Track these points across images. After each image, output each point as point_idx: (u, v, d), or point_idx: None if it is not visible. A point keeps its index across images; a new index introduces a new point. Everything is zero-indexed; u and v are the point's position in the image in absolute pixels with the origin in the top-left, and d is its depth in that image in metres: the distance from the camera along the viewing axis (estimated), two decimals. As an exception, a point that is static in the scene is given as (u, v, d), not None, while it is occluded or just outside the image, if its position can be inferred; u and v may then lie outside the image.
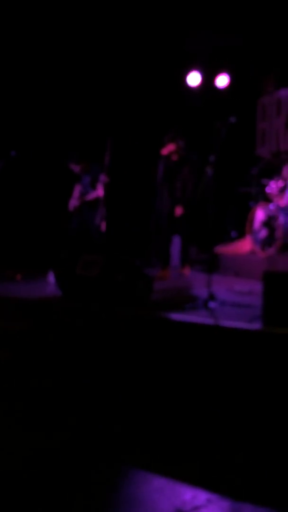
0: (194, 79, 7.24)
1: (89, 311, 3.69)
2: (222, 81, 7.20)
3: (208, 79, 7.22)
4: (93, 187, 5.70)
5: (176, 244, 5.89)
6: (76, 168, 5.84)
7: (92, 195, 5.68)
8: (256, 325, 3.03)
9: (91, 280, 3.81)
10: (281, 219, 5.35)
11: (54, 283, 4.33)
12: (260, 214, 5.69)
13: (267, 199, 5.88)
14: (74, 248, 5.46)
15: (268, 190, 5.82)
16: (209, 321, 3.23)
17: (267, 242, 5.53)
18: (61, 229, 6.16)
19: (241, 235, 6.57)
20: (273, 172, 6.01)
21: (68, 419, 2.56)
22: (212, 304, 3.72)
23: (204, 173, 4.05)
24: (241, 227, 6.42)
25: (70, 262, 3.98)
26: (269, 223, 5.53)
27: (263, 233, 5.59)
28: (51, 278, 4.97)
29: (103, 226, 5.43)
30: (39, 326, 3.80)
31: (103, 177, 5.54)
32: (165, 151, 5.37)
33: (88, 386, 2.97)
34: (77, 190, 5.89)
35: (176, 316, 3.37)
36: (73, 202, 5.89)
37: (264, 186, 5.94)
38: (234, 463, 2.14)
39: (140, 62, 7.13)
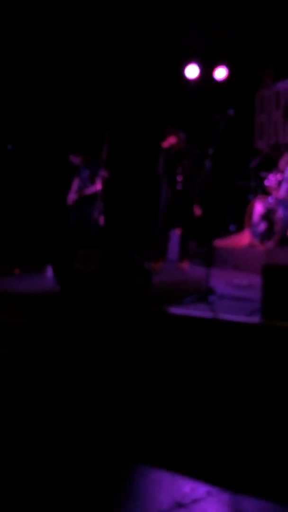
0: (192, 71, 7.21)
1: (87, 305, 3.68)
2: (220, 73, 7.16)
3: (207, 72, 7.18)
4: (92, 181, 5.68)
5: (174, 237, 5.89)
6: (76, 160, 5.81)
7: (90, 190, 5.66)
8: (255, 319, 3.03)
9: (89, 274, 3.80)
10: (280, 212, 5.34)
11: (52, 277, 4.32)
12: (259, 207, 5.68)
13: (266, 192, 5.87)
14: (72, 243, 5.46)
15: (266, 183, 5.81)
16: (208, 314, 3.23)
17: (266, 236, 5.52)
18: (59, 223, 6.15)
19: (240, 228, 6.56)
20: (272, 165, 6.00)
21: (67, 414, 2.56)
22: (211, 298, 3.72)
23: (203, 166, 4.03)
24: (240, 220, 6.41)
25: (68, 257, 3.97)
26: (268, 216, 5.52)
27: (262, 227, 5.58)
28: (49, 272, 4.96)
29: (102, 221, 5.42)
30: (37, 321, 3.79)
31: (102, 172, 5.52)
32: (165, 144, 5.36)
33: (87, 381, 2.97)
34: (75, 183, 5.87)
35: (175, 310, 3.36)
36: (72, 196, 5.87)
37: (263, 179, 5.92)
38: (234, 455, 2.14)
39: (138, 55, 7.09)
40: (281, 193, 5.49)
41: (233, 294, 3.94)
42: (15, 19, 6.37)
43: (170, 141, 5.33)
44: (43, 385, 2.93)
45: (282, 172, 5.64)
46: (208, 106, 6.52)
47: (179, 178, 5.36)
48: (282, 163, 5.73)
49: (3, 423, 2.44)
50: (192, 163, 5.34)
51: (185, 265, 5.52)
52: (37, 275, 5.22)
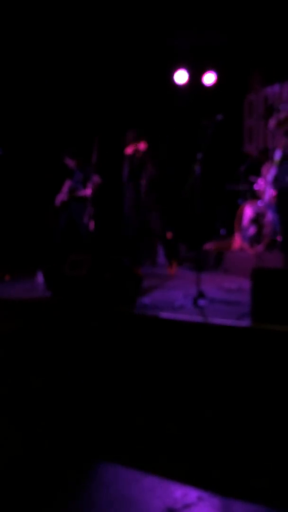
0: (181, 77, 7.26)
1: (78, 310, 3.68)
2: (209, 79, 7.22)
3: (195, 77, 7.23)
4: (84, 185, 5.69)
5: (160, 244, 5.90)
6: (71, 163, 5.82)
7: (81, 192, 5.67)
8: (245, 322, 3.04)
9: (79, 279, 3.79)
10: (269, 216, 5.38)
11: (43, 282, 4.31)
12: (248, 211, 5.72)
13: (255, 196, 5.91)
14: (62, 248, 5.45)
15: (256, 187, 5.85)
16: (198, 318, 3.23)
17: (255, 239, 5.55)
18: (48, 226, 6.14)
19: (230, 232, 6.60)
20: (261, 169, 6.04)
21: (58, 419, 2.55)
22: (201, 302, 3.73)
23: (192, 171, 4.05)
24: (230, 224, 6.44)
25: (58, 262, 3.97)
26: (257, 220, 5.56)
27: (252, 230, 5.62)
28: (40, 278, 4.95)
29: (92, 225, 5.41)
30: (28, 327, 3.78)
31: (96, 178, 5.53)
32: (129, 150, 5.39)
33: (79, 385, 2.96)
34: (66, 185, 5.87)
35: (165, 314, 3.37)
36: (61, 197, 5.87)
37: (252, 183, 5.96)
38: (224, 460, 2.14)
39: (128, 60, 7.12)
40: (266, 198, 5.54)
41: (223, 298, 3.96)
42: (7, 26, 6.37)
43: (131, 148, 5.37)
44: (34, 390, 2.92)
45: (265, 177, 5.70)
46: (197, 111, 6.56)
47: (144, 182, 5.37)
48: (264, 169, 5.80)
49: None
50: (154, 163, 5.34)
51: (173, 270, 5.48)
52: (27, 280, 5.20)
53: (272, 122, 5.48)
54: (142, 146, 5.38)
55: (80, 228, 5.65)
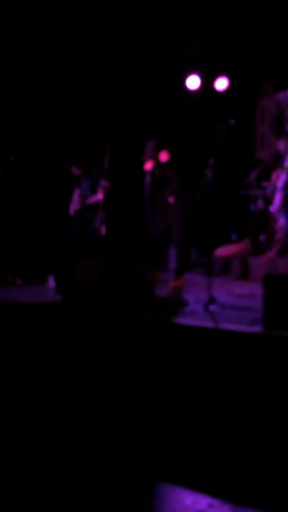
0: (193, 82, 7.26)
1: (89, 315, 3.68)
2: (221, 84, 7.22)
3: (208, 82, 7.24)
4: (93, 191, 5.70)
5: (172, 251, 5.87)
6: (76, 171, 5.85)
7: (92, 199, 5.69)
8: (256, 328, 3.01)
9: (90, 284, 3.80)
10: (281, 222, 5.35)
11: (54, 287, 4.33)
12: (283, 177, 5.53)
13: (267, 202, 5.88)
14: (73, 253, 5.47)
15: (268, 192, 5.83)
16: (209, 324, 3.22)
17: (267, 245, 5.52)
18: (61, 234, 6.16)
19: (241, 237, 6.57)
20: (271, 174, 6.02)
21: (68, 425, 2.55)
22: (212, 307, 3.71)
23: (204, 176, 4.04)
24: (241, 229, 6.41)
25: (69, 267, 3.98)
26: (269, 225, 5.53)
27: (263, 236, 5.59)
28: (51, 282, 4.96)
29: (103, 230, 5.43)
30: (39, 331, 3.79)
31: (104, 182, 5.54)
32: (148, 165, 5.32)
33: (88, 390, 2.96)
34: (76, 193, 5.90)
35: (177, 319, 3.35)
36: (74, 206, 5.90)
37: (264, 188, 5.94)
38: (235, 466, 2.12)
39: (140, 65, 7.15)
40: (275, 204, 5.51)
41: (235, 304, 3.93)
42: (14, 32, 6.43)
43: (149, 165, 5.30)
44: (43, 395, 2.92)
45: (275, 184, 5.68)
46: (209, 116, 6.55)
47: (160, 208, 5.28)
48: (274, 176, 5.78)
49: (1, 432, 2.43)
50: (171, 192, 5.19)
51: (181, 283, 5.17)
52: (39, 285, 5.22)
53: (281, 145, 5.48)
54: (164, 157, 5.25)
55: (91, 234, 5.66)
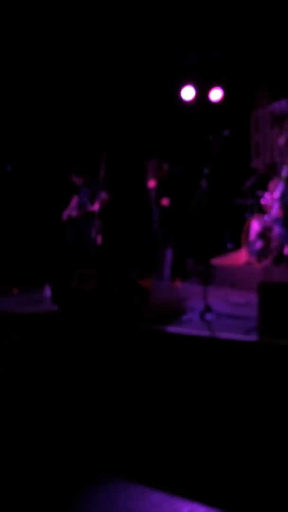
0: (188, 93, 7.33)
1: (85, 324, 3.68)
2: (216, 95, 7.29)
3: (202, 93, 7.30)
4: (92, 201, 5.70)
5: (168, 255, 5.91)
6: (78, 180, 5.86)
7: (90, 209, 5.70)
8: (252, 337, 3.03)
9: (87, 293, 3.81)
10: (276, 230, 5.38)
11: (50, 297, 4.33)
12: (255, 225, 5.72)
13: (262, 210, 5.92)
14: (69, 262, 5.48)
15: (263, 201, 5.87)
16: (205, 333, 3.23)
17: (262, 254, 5.55)
18: (55, 241, 6.16)
19: (237, 246, 6.60)
20: (268, 184, 6.07)
21: (65, 433, 2.55)
22: (208, 316, 3.72)
23: (199, 186, 4.08)
24: (237, 238, 6.44)
25: (66, 276, 3.99)
26: (264, 234, 5.56)
27: (259, 245, 5.62)
28: (47, 291, 4.97)
29: (99, 240, 5.44)
30: (36, 341, 3.79)
31: (103, 194, 5.54)
32: (151, 184, 5.45)
33: (85, 399, 2.96)
34: (74, 201, 5.90)
35: (172, 328, 3.37)
36: (68, 212, 5.89)
37: (259, 197, 5.98)
38: (232, 476, 2.12)
39: (135, 76, 7.21)
40: (273, 213, 5.55)
41: (230, 312, 3.95)
42: (15, 43, 6.49)
43: (152, 183, 5.43)
44: (40, 404, 2.91)
45: (272, 193, 5.73)
46: (204, 126, 6.61)
47: (166, 202, 5.40)
48: (271, 185, 5.83)
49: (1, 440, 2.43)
50: (174, 216, 5.41)
51: (178, 284, 5.46)
52: (35, 294, 5.22)
53: (281, 140, 5.54)
54: (165, 202, 5.51)
55: (87, 244, 5.67)
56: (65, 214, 5.90)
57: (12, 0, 5.85)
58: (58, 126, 7.23)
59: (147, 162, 5.40)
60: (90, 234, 5.53)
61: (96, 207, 5.55)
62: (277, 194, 5.56)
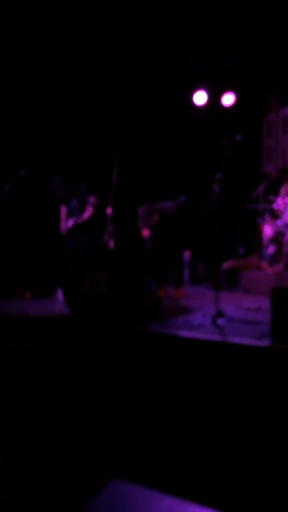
0: (200, 98, 7.35)
1: (97, 328, 3.70)
2: (228, 99, 7.29)
3: (214, 98, 7.32)
4: (81, 209, 5.54)
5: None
6: (61, 194, 5.61)
7: (82, 218, 5.52)
8: (264, 342, 3.02)
9: (98, 298, 3.82)
10: (289, 235, 5.36)
11: (62, 301, 4.35)
12: (268, 231, 5.70)
13: (274, 215, 5.90)
14: (81, 266, 5.49)
15: (275, 206, 5.84)
16: (217, 337, 3.22)
17: (275, 258, 5.53)
18: (60, 249, 6.04)
19: (249, 251, 6.58)
20: (280, 189, 6.05)
21: (75, 438, 2.55)
22: (220, 321, 3.72)
23: (211, 191, 4.08)
24: (249, 243, 6.43)
25: (77, 280, 4.01)
26: (276, 239, 5.54)
27: (271, 249, 5.59)
28: (59, 296, 4.99)
29: (111, 244, 5.45)
30: (48, 344, 3.80)
31: (92, 199, 5.46)
32: (145, 234, 5.48)
33: (97, 404, 2.96)
34: (63, 212, 5.72)
35: (185, 333, 3.36)
36: (64, 225, 5.68)
37: (271, 202, 5.96)
38: (244, 481, 2.11)
39: (148, 81, 7.24)
40: (285, 217, 5.53)
41: (243, 317, 3.93)
42: (24, 50, 6.55)
43: (146, 232, 5.46)
44: (51, 407, 2.92)
45: (284, 198, 5.70)
46: (216, 131, 6.61)
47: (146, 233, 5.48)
48: (283, 190, 5.80)
49: (7, 445, 2.44)
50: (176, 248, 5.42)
51: (181, 293, 5.42)
52: (47, 298, 5.25)
53: (284, 188, 5.56)
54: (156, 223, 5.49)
55: (78, 255, 5.57)
56: (63, 229, 5.72)
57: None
58: (71, 131, 7.27)
59: (138, 209, 5.40)
60: (82, 243, 5.47)
61: (87, 215, 5.47)
62: None
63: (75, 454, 2.38)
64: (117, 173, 5.45)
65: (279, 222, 5.56)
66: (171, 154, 6.18)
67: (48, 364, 3.58)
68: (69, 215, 5.64)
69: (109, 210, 5.56)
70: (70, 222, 5.62)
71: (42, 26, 6.22)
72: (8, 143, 6.98)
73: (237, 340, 3.10)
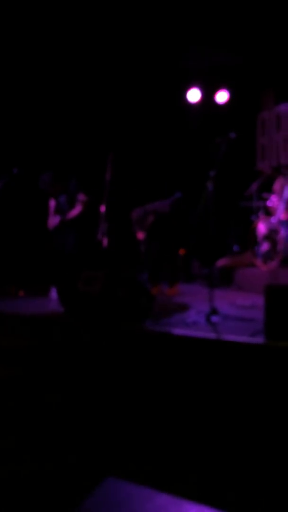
0: (194, 95, 7.35)
1: (92, 327, 3.69)
2: (221, 97, 7.30)
3: (208, 95, 7.32)
4: (71, 205, 5.49)
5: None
6: (50, 190, 5.57)
7: (71, 214, 5.47)
8: (258, 339, 3.03)
9: (92, 295, 3.82)
10: (283, 233, 5.37)
11: (56, 299, 4.35)
12: (262, 228, 5.72)
13: (268, 213, 5.91)
14: (75, 264, 5.47)
15: (269, 204, 5.86)
16: (211, 335, 3.23)
17: (269, 256, 5.54)
18: (46, 249, 5.98)
19: (243, 249, 6.59)
20: (273, 186, 6.06)
21: (71, 436, 2.55)
22: (214, 318, 3.72)
23: (205, 188, 4.08)
24: (243, 241, 6.44)
25: (72, 278, 4.00)
26: (270, 236, 5.55)
27: (265, 247, 5.61)
28: (53, 294, 4.98)
29: (105, 242, 5.44)
30: (42, 343, 3.80)
31: (81, 196, 5.41)
32: (140, 237, 5.50)
33: (92, 402, 2.96)
34: (52, 206, 5.64)
35: (179, 331, 3.37)
36: (52, 221, 5.64)
37: (265, 200, 5.98)
38: (239, 479, 2.12)
39: (141, 79, 7.24)
40: (279, 214, 5.54)
41: (237, 315, 3.95)
42: (19, 49, 6.53)
43: (140, 235, 5.49)
44: (46, 406, 2.92)
45: (278, 195, 5.72)
46: (210, 129, 6.62)
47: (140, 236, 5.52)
48: (277, 186, 5.81)
49: (5, 444, 2.44)
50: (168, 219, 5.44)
51: (175, 290, 5.46)
52: (41, 296, 5.24)
53: (277, 185, 5.58)
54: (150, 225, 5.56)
55: (66, 251, 5.53)
56: (51, 224, 5.65)
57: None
58: (65, 128, 7.25)
59: (131, 212, 5.40)
60: (68, 241, 5.43)
61: (75, 212, 5.42)
62: (285, 195, 5.54)
63: (70, 453, 2.37)
64: (110, 170, 5.44)
65: (273, 220, 5.58)
66: (165, 151, 6.18)
67: (42, 362, 3.57)
68: (57, 211, 5.58)
69: (102, 208, 5.55)
70: (57, 219, 5.55)
71: (39, 23, 6.20)
72: (1, 141, 6.95)
73: (231, 337, 3.11)
